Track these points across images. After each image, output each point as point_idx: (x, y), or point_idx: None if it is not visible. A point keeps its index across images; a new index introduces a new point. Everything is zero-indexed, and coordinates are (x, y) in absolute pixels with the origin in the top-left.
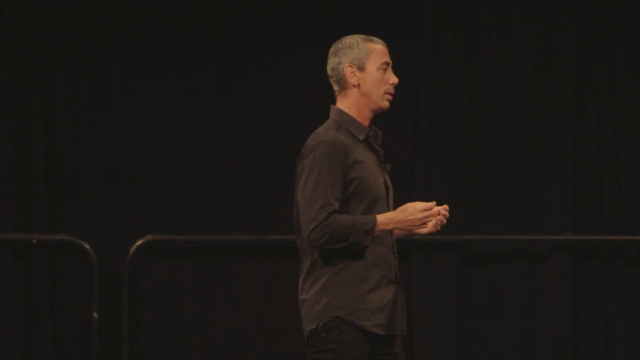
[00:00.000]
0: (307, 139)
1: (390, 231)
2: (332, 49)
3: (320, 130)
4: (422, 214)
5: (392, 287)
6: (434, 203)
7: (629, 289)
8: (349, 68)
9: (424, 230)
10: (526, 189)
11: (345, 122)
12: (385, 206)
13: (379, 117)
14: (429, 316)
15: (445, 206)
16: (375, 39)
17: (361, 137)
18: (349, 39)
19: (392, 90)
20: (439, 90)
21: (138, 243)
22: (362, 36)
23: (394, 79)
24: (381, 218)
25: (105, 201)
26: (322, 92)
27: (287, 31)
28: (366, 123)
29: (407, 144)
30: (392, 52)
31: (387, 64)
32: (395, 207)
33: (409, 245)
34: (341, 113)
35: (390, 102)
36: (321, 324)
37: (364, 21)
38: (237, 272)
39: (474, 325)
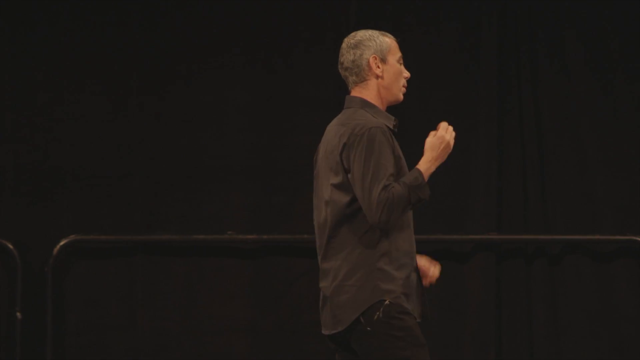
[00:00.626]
0: (231, 139)
1: (412, 220)
2: (349, 43)
3: (359, 119)
4: (450, 136)
5: (415, 274)
6: (443, 123)
7: (552, 288)
8: (374, 59)
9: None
10: (450, 188)
11: (375, 111)
12: None
13: (304, 116)
14: None
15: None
16: (388, 34)
17: (391, 126)
18: (367, 33)
19: (405, 84)
20: None
21: (62, 243)
22: (376, 31)
23: (408, 73)
24: (421, 167)
25: (28, 200)
26: (245, 93)
27: (212, 34)
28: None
29: None
30: (315, 51)
31: (402, 58)
32: None
33: None
34: (366, 102)
35: (404, 93)
36: (376, 309)
37: (288, 18)
38: (162, 272)
39: None
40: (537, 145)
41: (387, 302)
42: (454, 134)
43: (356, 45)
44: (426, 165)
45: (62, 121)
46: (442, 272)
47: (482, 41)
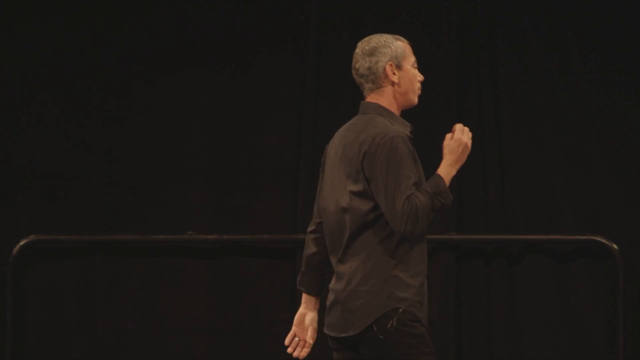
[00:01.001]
0: (191, 139)
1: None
2: (364, 49)
3: (379, 126)
4: (467, 137)
5: (426, 281)
6: (459, 125)
7: (511, 288)
8: (390, 66)
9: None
10: None
11: (393, 118)
12: None
13: (264, 117)
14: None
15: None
16: (401, 37)
17: (407, 132)
18: (382, 38)
19: (419, 87)
20: (323, 89)
21: (21, 243)
22: (390, 35)
23: (422, 76)
24: (442, 172)
25: None
26: (205, 93)
27: (173, 35)
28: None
29: (292, 143)
30: (276, 52)
31: (416, 62)
32: None
33: (292, 244)
34: (383, 109)
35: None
36: (390, 317)
37: (249, 19)
38: (121, 272)
39: None
40: (497, 145)
41: (401, 310)
42: (470, 134)
43: (372, 52)
44: (446, 169)
45: (22, 122)
46: None
47: (442, 40)
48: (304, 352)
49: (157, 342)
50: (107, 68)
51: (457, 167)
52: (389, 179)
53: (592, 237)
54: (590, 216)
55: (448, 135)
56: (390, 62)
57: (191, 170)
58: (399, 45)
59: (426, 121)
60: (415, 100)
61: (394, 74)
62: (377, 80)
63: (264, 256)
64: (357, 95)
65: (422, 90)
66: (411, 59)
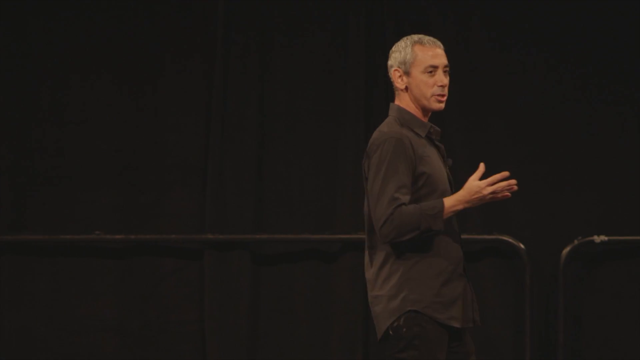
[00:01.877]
0: (98, 138)
1: (456, 225)
2: (390, 50)
3: (384, 127)
4: (489, 190)
5: (462, 280)
6: (501, 175)
7: None
8: (395, 72)
9: (498, 197)
10: (318, 188)
11: (407, 119)
12: None
13: (170, 116)
14: (221, 315)
15: (506, 174)
16: (426, 40)
17: (422, 134)
18: (402, 42)
19: (439, 92)
20: (230, 89)
21: None
22: (414, 38)
23: (442, 81)
24: (448, 200)
25: None
26: (112, 92)
27: (79, 31)
28: (425, 119)
29: (199, 143)
30: (183, 53)
31: (434, 67)
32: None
33: (200, 244)
34: (401, 110)
35: (441, 101)
36: (402, 319)
37: (155, 19)
38: (28, 272)
39: (266, 325)
40: None
41: (413, 311)
42: (496, 192)
43: (389, 56)
44: (453, 202)
45: None
46: (310, 272)
47: (349, 42)
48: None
49: (64, 342)
50: (12, 67)
51: (466, 206)
52: (376, 180)
53: (500, 237)
54: (497, 216)
55: (476, 176)
56: (396, 69)
57: (99, 170)
58: (410, 51)
59: (333, 126)
60: (432, 105)
61: (401, 79)
62: (393, 83)
63: (171, 256)
64: (264, 97)
65: (330, 90)
66: (423, 64)
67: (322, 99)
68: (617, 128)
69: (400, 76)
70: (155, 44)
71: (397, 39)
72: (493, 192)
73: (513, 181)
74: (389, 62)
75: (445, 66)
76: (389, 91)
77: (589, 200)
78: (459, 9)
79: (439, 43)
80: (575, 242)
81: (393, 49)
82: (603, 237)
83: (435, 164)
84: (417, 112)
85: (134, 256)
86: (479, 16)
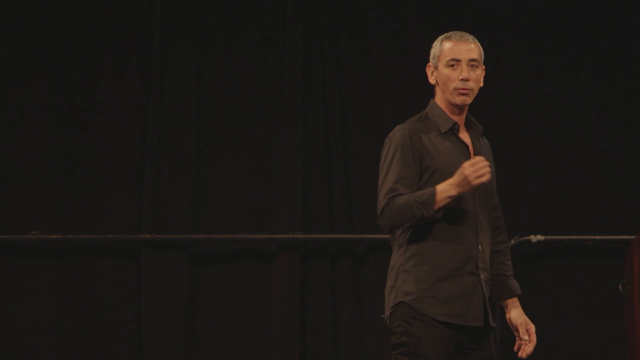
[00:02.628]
0: (35, 138)
1: (476, 224)
2: None
3: (404, 122)
4: (469, 170)
5: (471, 278)
6: (478, 158)
7: (356, 286)
8: (428, 68)
9: (483, 180)
10: (255, 188)
11: (435, 114)
12: (470, 199)
13: (108, 116)
14: (158, 315)
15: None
16: (455, 35)
17: (443, 130)
18: (438, 38)
19: (460, 86)
20: (167, 88)
21: None
22: (447, 34)
23: (462, 75)
24: (441, 186)
25: None
26: (48, 92)
27: (15, 29)
28: (456, 115)
29: (136, 143)
30: (121, 53)
31: (456, 60)
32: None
33: (137, 244)
34: (432, 105)
35: (463, 94)
36: (394, 312)
37: (94, 22)
38: None
39: (203, 324)
40: (342, 145)
41: (403, 304)
42: (477, 172)
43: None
44: (445, 187)
45: None
46: (247, 272)
47: (287, 41)
48: (527, 350)
49: (0, 342)
50: None
51: (457, 190)
52: (381, 173)
53: None
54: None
55: (469, 162)
56: (429, 64)
57: (35, 170)
58: (439, 46)
59: (270, 125)
60: (455, 99)
61: (432, 75)
62: (429, 79)
63: (108, 256)
64: (201, 96)
65: (267, 89)
66: (446, 58)
67: (260, 98)
68: (555, 128)
69: (432, 72)
70: (92, 44)
71: (334, 37)
72: (474, 172)
73: (486, 163)
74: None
75: (471, 60)
76: (327, 90)
77: (526, 200)
78: (395, 7)
79: (467, 37)
80: (512, 241)
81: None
82: (540, 237)
83: (448, 160)
84: (446, 107)
85: (71, 256)
86: (415, 15)
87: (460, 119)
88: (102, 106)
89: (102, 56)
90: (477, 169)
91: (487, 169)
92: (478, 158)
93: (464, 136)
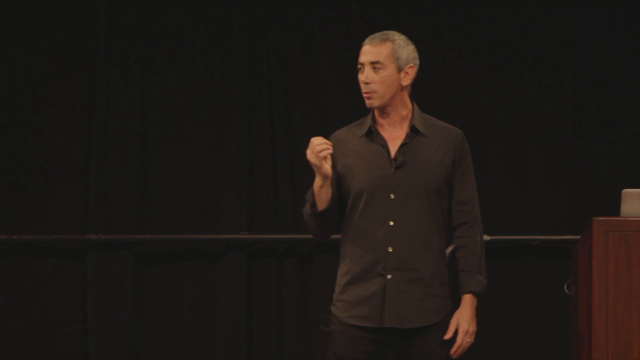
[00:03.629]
0: None
1: (387, 225)
2: None
3: None
4: (308, 151)
5: (379, 280)
6: (318, 138)
7: (302, 287)
8: None
9: (322, 155)
10: (202, 188)
11: (368, 117)
12: (384, 201)
13: (54, 116)
14: (104, 316)
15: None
16: (368, 38)
17: (359, 134)
18: None
19: (363, 90)
20: (113, 88)
21: None
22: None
23: (362, 78)
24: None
25: None
26: None
27: None
28: (386, 119)
29: (82, 143)
30: (66, 48)
31: (360, 64)
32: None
33: (83, 244)
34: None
35: (368, 98)
36: (329, 316)
37: (39, 19)
38: None
39: (149, 324)
40: (288, 145)
41: (329, 308)
42: (313, 151)
43: None
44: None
45: None
46: (194, 272)
47: (233, 41)
48: (452, 350)
49: None
50: None
51: (316, 176)
52: None
53: None
54: None
55: None
56: None
57: None
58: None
59: (216, 126)
60: (367, 102)
61: None
62: None
63: (54, 256)
64: (147, 97)
65: (213, 90)
66: (359, 62)
67: (206, 99)
68: (500, 127)
69: None
70: (38, 44)
71: (280, 38)
72: (311, 153)
73: (322, 139)
74: None
75: (372, 62)
76: (273, 90)
77: None
78: (341, 8)
79: (375, 39)
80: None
81: None
82: (486, 237)
83: (358, 162)
84: (377, 110)
85: (16, 256)
86: (361, 15)
87: (392, 119)
88: (48, 106)
89: (48, 56)
90: (312, 149)
91: (323, 145)
92: (313, 139)
93: (394, 136)
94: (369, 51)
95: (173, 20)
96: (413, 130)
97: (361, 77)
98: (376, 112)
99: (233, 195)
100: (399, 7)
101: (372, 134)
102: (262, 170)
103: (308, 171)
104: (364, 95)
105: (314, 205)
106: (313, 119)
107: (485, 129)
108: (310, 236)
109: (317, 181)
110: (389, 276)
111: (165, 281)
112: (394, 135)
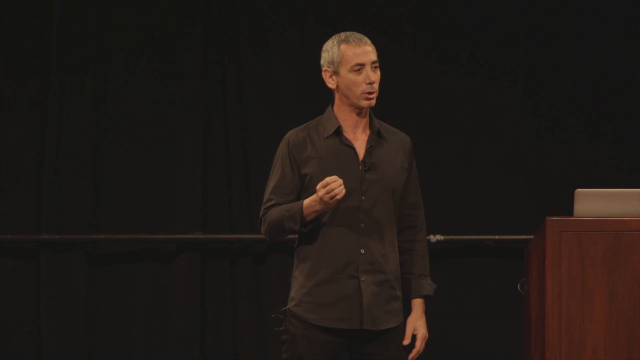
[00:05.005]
0: None
1: (358, 227)
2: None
3: None
4: (322, 192)
5: (352, 281)
6: (331, 178)
7: (256, 286)
8: (326, 72)
9: (337, 198)
10: (155, 188)
11: (325, 118)
12: (355, 203)
13: (4, 116)
14: (57, 316)
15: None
16: (352, 38)
17: (326, 134)
18: (329, 42)
19: (369, 90)
20: (67, 88)
21: None
22: (341, 36)
23: (371, 78)
24: (307, 201)
25: None
26: None
27: None
28: (356, 118)
29: (35, 143)
30: (20, 51)
31: (360, 64)
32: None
33: (36, 244)
34: (328, 109)
35: (370, 99)
36: (284, 318)
37: None
38: None
39: (103, 324)
40: (242, 145)
41: (289, 309)
42: (330, 193)
43: (321, 53)
44: (310, 202)
45: None
46: (147, 272)
47: (187, 41)
48: (409, 356)
49: None
50: None
51: (323, 206)
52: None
53: None
54: None
55: (328, 178)
56: (326, 69)
57: None
58: (338, 50)
59: (170, 126)
60: (361, 103)
61: (332, 79)
62: (326, 83)
63: (7, 256)
64: (101, 96)
65: (166, 90)
66: (350, 63)
67: (159, 99)
68: (453, 126)
69: (330, 76)
70: None
71: (234, 37)
72: (327, 194)
73: (339, 182)
74: (320, 62)
75: (373, 62)
76: (227, 90)
77: (425, 199)
78: (294, 7)
79: (366, 39)
80: None
81: (323, 48)
82: (439, 237)
83: (326, 164)
84: (346, 111)
85: None
86: (314, 15)
87: (359, 122)
88: (1, 107)
89: (0, 56)
90: (328, 190)
91: (340, 188)
92: (329, 178)
93: (357, 138)
94: (369, 51)
95: (126, 21)
96: (376, 134)
97: (364, 78)
98: (346, 112)
99: (187, 195)
100: (352, 7)
101: (341, 135)
102: (216, 171)
103: (261, 171)
104: (367, 95)
105: (303, 224)
106: (267, 119)
107: (438, 128)
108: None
109: (318, 209)
110: (362, 278)
111: (119, 281)
112: (357, 137)
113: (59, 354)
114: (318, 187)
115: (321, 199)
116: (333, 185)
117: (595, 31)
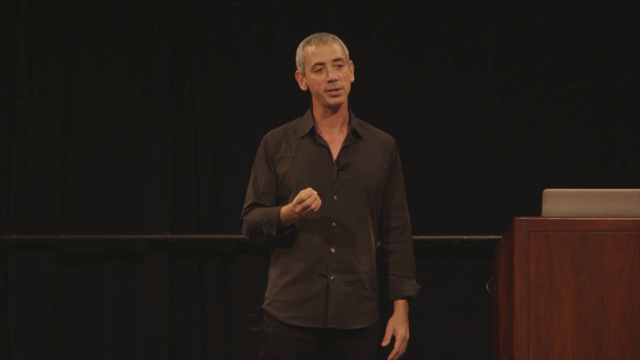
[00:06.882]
0: None
1: (329, 226)
2: None
3: None
4: (298, 208)
5: (321, 280)
6: (305, 193)
7: (225, 287)
8: (297, 75)
9: (312, 211)
10: (123, 188)
11: (303, 119)
12: (326, 202)
13: None
14: (25, 316)
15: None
16: (314, 39)
17: (301, 134)
18: (299, 45)
19: (330, 87)
20: (34, 87)
21: None
22: (306, 39)
23: (330, 76)
24: (285, 209)
25: None
26: None
27: None
28: (330, 117)
29: (3, 143)
30: None
31: (320, 63)
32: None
33: (4, 244)
34: (307, 111)
35: (334, 95)
36: (251, 316)
37: None
38: None
39: (71, 325)
40: (210, 145)
41: (262, 308)
42: (305, 207)
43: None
44: (287, 211)
45: None
46: (115, 272)
47: (154, 41)
48: (389, 357)
49: None
50: None
51: (298, 216)
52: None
53: None
54: None
55: (305, 191)
56: (297, 72)
57: None
58: (301, 52)
59: (138, 126)
60: (328, 101)
61: (302, 81)
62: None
63: None
64: (69, 96)
65: (135, 89)
66: (311, 63)
67: (127, 98)
68: (421, 125)
69: (301, 79)
70: None
71: (202, 38)
72: (303, 209)
73: (314, 196)
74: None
75: (335, 60)
76: (195, 90)
77: None
78: (263, 7)
79: (327, 38)
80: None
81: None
82: None
83: (299, 164)
84: (321, 111)
85: None
86: (282, 15)
87: (334, 121)
88: None
89: None
90: (304, 206)
91: (316, 202)
92: (303, 194)
93: (334, 138)
94: (328, 50)
95: (94, 21)
96: (353, 134)
97: (325, 77)
98: (320, 113)
99: (155, 195)
100: (320, 8)
101: (315, 135)
102: (184, 171)
103: (230, 171)
104: (332, 93)
105: (280, 230)
106: (235, 118)
107: (405, 128)
108: (233, 236)
109: (295, 217)
110: (332, 277)
111: (87, 281)
112: (334, 138)
113: (27, 354)
114: (294, 202)
115: (299, 212)
116: (308, 202)
117: (564, 29)
